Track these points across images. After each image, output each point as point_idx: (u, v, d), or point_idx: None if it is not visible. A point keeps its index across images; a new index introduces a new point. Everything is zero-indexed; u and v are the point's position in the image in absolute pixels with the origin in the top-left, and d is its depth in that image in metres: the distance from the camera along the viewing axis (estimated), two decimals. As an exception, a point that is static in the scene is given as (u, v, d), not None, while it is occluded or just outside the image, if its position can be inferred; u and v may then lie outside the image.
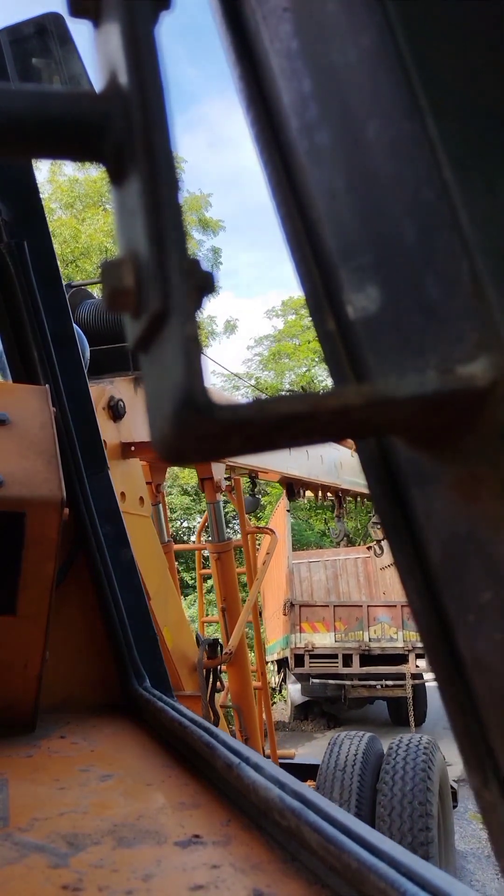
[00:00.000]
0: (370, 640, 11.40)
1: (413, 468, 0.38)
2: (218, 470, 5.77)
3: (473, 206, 0.34)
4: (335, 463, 8.25)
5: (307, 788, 0.86)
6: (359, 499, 9.21)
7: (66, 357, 1.81)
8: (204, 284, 0.32)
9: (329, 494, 8.76)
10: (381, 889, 0.65)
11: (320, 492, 8.47)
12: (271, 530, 6.65)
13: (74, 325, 1.92)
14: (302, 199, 0.43)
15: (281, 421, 0.31)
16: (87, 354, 3.23)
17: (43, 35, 1.79)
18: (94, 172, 23.31)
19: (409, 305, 0.37)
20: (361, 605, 11.93)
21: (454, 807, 5.96)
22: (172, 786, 1.14)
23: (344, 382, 0.42)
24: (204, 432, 0.30)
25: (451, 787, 5.91)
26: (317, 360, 28.64)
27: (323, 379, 29.13)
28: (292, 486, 7.91)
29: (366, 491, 8.98)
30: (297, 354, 28.90)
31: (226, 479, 5.85)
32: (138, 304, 0.32)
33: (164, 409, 0.31)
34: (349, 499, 9.28)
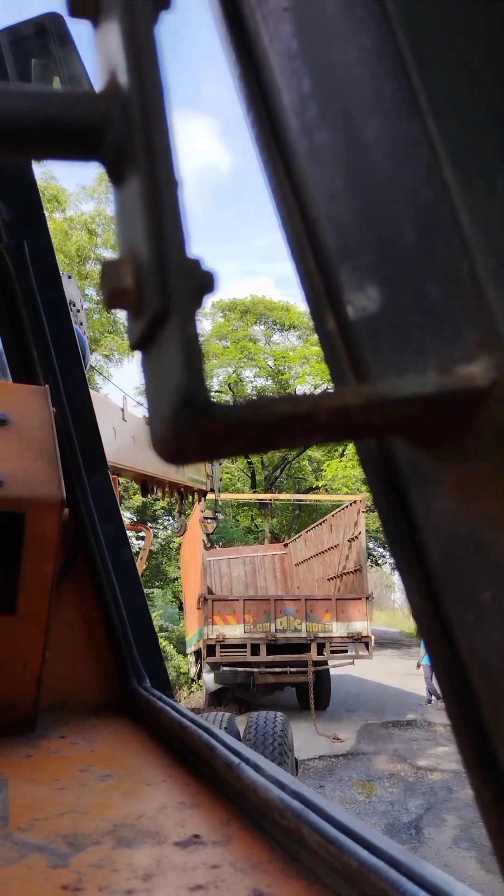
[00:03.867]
0: (276, 630, 11.98)
1: (413, 468, 0.38)
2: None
3: (473, 206, 0.34)
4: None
5: (307, 788, 0.86)
6: (196, 495, 9.56)
7: (66, 357, 1.81)
8: (204, 284, 0.32)
9: (175, 491, 9.35)
10: (381, 889, 0.65)
11: (168, 488, 8.81)
12: (148, 528, 6.89)
13: (74, 325, 1.92)
14: (302, 199, 0.43)
15: (280, 421, 0.31)
16: (87, 354, 3.23)
17: (43, 35, 1.79)
18: (38, 177, 23.61)
19: (409, 305, 0.37)
20: (269, 599, 12.54)
21: (295, 774, 6.69)
22: (172, 786, 1.14)
23: (344, 382, 0.42)
24: (203, 432, 0.30)
25: (295, 759, 6.56)
26: (245, 360, 29.40)
27: (251, 379, 30.15)
28: (146, 484, 8.25)
29: (204, 488, 9.60)
30: (226, 355, 29.44)
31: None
32: (138, 304, 0.32)
33: (164, 408, 0.31)
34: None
